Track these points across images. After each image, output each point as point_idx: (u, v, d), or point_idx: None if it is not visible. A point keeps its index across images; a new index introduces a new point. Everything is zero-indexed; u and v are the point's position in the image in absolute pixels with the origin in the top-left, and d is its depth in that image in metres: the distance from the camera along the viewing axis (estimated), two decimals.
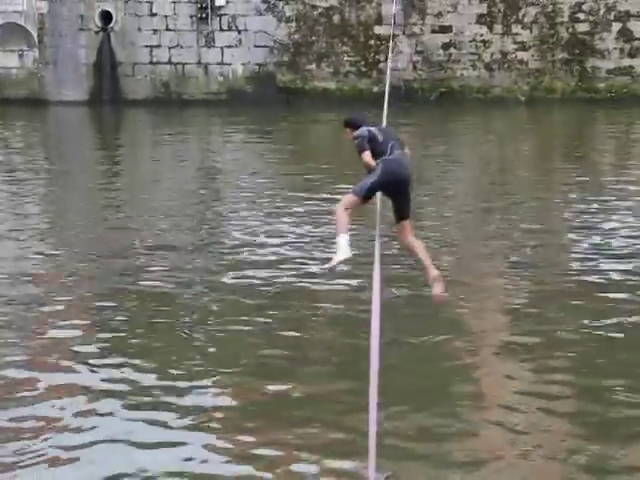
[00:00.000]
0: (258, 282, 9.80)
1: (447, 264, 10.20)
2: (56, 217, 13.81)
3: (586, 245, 11.26)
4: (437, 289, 7.93)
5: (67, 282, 10.00)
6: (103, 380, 7.38)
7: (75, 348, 8.06)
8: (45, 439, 6.38)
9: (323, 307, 9.20)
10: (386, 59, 26.61)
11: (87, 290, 9.75)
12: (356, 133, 7.97)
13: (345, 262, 7.84)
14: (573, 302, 9.13)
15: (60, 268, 10.60)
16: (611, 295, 9.27)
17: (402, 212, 8.01)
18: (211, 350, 8.00)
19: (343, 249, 7.60)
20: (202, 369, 7.58)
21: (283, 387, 7.21)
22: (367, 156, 7.80)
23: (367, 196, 7.81)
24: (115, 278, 10.10)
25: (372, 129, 8.00)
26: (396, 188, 7.82)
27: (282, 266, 10.43)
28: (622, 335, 8.19)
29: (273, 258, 10.81)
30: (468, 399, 7.04)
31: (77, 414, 6.75)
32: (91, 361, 7.74)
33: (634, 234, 11.72)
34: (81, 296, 9.56)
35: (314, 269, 10.11)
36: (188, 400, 6.97)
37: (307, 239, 11.67)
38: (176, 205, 14.07)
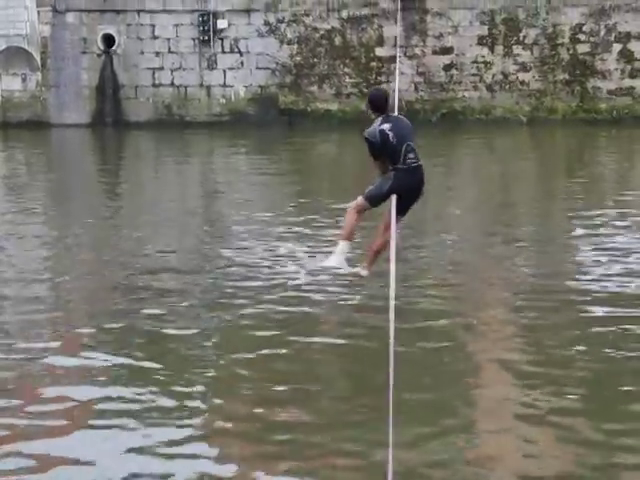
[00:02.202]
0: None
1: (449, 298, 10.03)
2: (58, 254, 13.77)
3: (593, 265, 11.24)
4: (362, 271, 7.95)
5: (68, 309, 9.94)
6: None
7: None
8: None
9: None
10: (388, 80, 26.72)
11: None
12: (367, 132, 7.78)
13: (331, 270, 7.70)
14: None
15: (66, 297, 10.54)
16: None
17: (402, 211, 7.92)
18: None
19: (337, 258, 7.53)
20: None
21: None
22: (376, 164, 7.80)
23: (378, 203, 7.78)
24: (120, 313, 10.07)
25: (386, 128, 7.71)
26: (406, 195, 7.79)
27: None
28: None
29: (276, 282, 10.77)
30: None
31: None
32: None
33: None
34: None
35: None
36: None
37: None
38: (175, 230, 14.08)
